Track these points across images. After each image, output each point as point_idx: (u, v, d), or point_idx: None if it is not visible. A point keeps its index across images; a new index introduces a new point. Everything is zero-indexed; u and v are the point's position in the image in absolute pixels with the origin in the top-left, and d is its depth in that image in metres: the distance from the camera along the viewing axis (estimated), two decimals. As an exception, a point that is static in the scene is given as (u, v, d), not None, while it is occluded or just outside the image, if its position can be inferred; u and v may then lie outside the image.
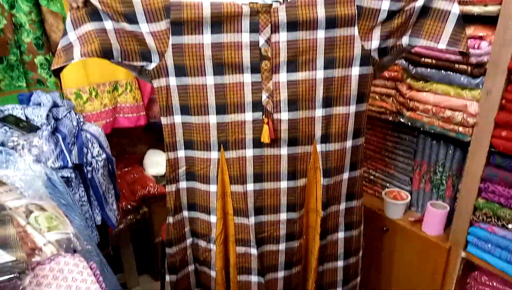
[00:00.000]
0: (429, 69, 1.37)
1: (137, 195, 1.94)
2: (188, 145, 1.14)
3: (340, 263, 1.30)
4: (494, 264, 1.32)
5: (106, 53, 1.01)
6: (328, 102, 1.09)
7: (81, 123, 1.47)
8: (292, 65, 1.05)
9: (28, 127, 1.31)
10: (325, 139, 1.13)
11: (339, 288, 1.33)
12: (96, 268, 0.77)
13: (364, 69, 1.07)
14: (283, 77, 1.06)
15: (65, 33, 1.02)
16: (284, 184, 1.15)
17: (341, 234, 1.27)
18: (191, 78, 1.05)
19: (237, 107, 1.07)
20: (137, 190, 1.96)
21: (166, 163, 1.16)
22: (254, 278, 1.23)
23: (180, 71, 1.04)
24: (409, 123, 1.50)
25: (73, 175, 1.32)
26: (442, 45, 1.02)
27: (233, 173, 1.13)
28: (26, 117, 1.36)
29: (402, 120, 1.53)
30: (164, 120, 1.11)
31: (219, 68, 1.04)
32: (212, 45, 1.02)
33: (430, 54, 1.35)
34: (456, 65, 1.29)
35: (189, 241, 1.26)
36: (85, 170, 1.37)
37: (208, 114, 1.08)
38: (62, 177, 1.27)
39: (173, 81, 1.06)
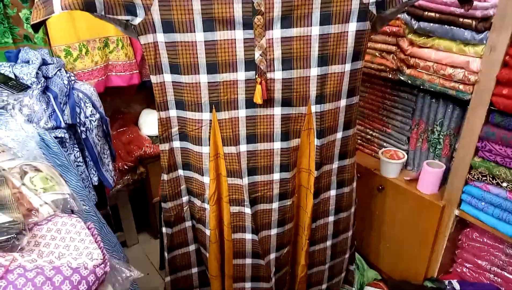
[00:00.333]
0: (432, 24, 1.32)
1: (133, 156, 1.93)
2: (179, 105, 1.10)
3: (331, 218, 1.33)
4: (486, 221, 1.35)
5: (88, 6, 0.94)
6: (323, 61, 1.05)
7: (73, 82, 1.43)
8: (286, 21, 1.00)
9: (17, 86, 1.27)
10: (320, 99, 1.10)
11: (328, 241, 1.37)
12: (94, 228, 0.77)
13: (361, 25, 1.03)
14: (276, 33, 1.01)
15: None
16: (277, 145, 1.14)
17: (333, 192, 1.29)
18: (179, 34, 0.99)
19: (229, 65, 1.03)
20: (133, 150, 1.95)
21: (158, 122, 1.13)
22: (248, 236, 1.25)
23: (168, 27, 0.98)
24: (409, 81, 1.47)
25: (66, 135, 1.30)
26: None
27: (226, 134, 1.11)
28: (15, 75, 1.31)
29: (402, 78, 1.49)
30: (153, 79, 1.06)
31: (209, 23, 0.98)
32: None
33: (433, 8, 1.29)
34: (461, 19, 1.24)
35: (185, 199, 1.27)
36: (79, 131, 1.35)
37: (199, 74, 1.03)
38: (56, 137, 1.25)
39: (161, 37, 1.00)
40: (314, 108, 1.11)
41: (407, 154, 1.65)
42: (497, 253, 1.43)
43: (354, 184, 1.33)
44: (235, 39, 1.00)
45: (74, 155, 1.35)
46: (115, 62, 1.87)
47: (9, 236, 0.65)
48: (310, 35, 1.02)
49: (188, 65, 1.03)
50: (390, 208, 1.65)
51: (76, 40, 1.69)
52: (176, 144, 1.17)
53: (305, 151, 1.19)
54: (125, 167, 1.91)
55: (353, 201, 1.36)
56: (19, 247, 0.66)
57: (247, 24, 0.99)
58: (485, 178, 1.32)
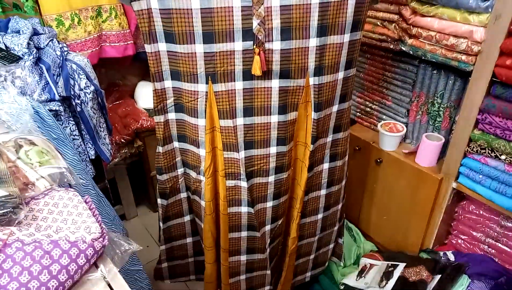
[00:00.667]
0: (436, -8, 1.28)
1: (130, 129, 1.92)
2: (175, 76, 1.07)
3: (323, 192, 1.34)
4: (483, 194, 1.36)
5: None
6: (322, 31, 1.01)
7: (65, 53, 1.39)
8: None
9: (8, 57, 1.23)
10: (318, 71, 1.07)
11: (319, 214, 1.39)
12: (92, 202, 0.77)
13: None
14: (275, 1, 0.96)
15: None
16: (274, 118, 1.12)
17: (326, 165, 1.28)
18: (174, 1, 0.95)
19: (226, 35, 0.98)
20: (129, 124, 1.93)
21: (153, 93, 1.10)
22: (244, 209, 1.25)
23: None
24: (411, 52, 1.44)
25: (61, 108, 1.27)
26: None
27: (222, 107, 1.08)
28: (5, 46, 1.27)
29: (403, 48, 1.46)
30: (148, 48, 1.02)
31: None
32: None
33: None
34: (466, -13, 1.20)
35: (180, 170, 1.27)
36: (74, 103, 1.33)
37: (195, 43, 0.99)
38: (50, 110, 1.23)
39: (155, 3, 0.95)
40: (312, 80, 1.08)
41: (406, 126, 1.64)
42: (492, 225, 1.45)
43: (346, 158, 1.33)
44: (232, 6, 0.96)
45: (70, 128, 1.34)
46: (109, 32, 1.82)
47: (5, 210, 0.65)
48: (310, 3, 0.98)
49: (183, 33, 0.99)
50: (388, 181, 1.66)
51: (68, 9, 1.63)
52: (172, 115, 1.15)
53: (302, 124, 1.17)
54: (122, 140, 1.89)
55: (344, 175, 1.37)
56: (16, 221, 0.66)
57: None
58: (484, 151, 1.31)
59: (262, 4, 0.96)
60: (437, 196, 1.49)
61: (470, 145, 1.35)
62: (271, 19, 0.98)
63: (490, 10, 1.17)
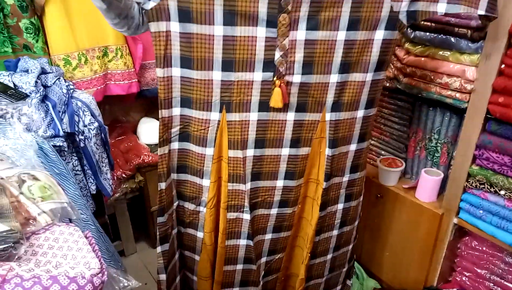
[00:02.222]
0: (428, 33, 1.34)
1: (131, 164, 1.93)
2: (186, 103, 1.03)
3: (335, 232, 1.30)
4: (484, 230, 1.35)
5: None
6: (345, 68, 1.01)
7: (71, 91, 1.44)
8: (313, 22, 0.94)
9: (16, 95, 1.27)
10: (336, 107, 1.06)
11: (329, 254, 1.34)
12: (92, 237, 0.77)
13: (389, 34, 0.99)
14: (301, 34, 0.95)
15: None
16: (285, 151, 1.10)
17: (340, 205, 1.24)
18: (197, 25, 0.91)
19: (246, 64, 0.96)
20: (131, 159, 1.95)
21: (160, 122, 1.05)
22: (242, 242, 1.21)
23: (185, 16, 0.91)
24: (406, 90, 1.48)
25: (65, 144, 1.30)
26: (481, 11, 0.93)
27: (234, 137, 1.05)
28: (14, 84, 1.32)
29: (399, 86, 1.50)
30: (160, 72, 0.98)
31: (231, 17, 0.91)
32: None
33: (429, 17, 1.31)
34: (456, 29, 1.26)
35: (175, 204, 1.20)
36: (77, 139, 1.35)
37: (212, 70, 0.96)
38: (54, 146, 1.25)
39: (175, 27, 0.92)
40: (328, 116, 1.07)
41: (405, 162, 1.65)
42: (496, 262, 1.42)
43: (361, 198, 1.29)
44: (256, 36, 0.93)
45: (73, 163, 1.35)
46: (114, 71, 1.88)
47: (6, 245, 0.65)
48: (335, 40, 0.97)
49: (202, 59, 0.96)
50: (389, 216, 1.65)
51: (76, 49, 1.70)
52: (174, 145, 1.10)
53: (315, 160, 1.14)
54: (123, 175, 1.90)
55: (358, 215, 1.33)
56: (16, 256, 0.66)
57: (271, 22, 0.93)
58: (483, 186, 1.32)
59: (287, 36, 0.95)
60: (439, 231, 1.48)
61: (469, 180, 1.36)
62: (294, 52, 0.97)
63: (480, 50, 1.22)
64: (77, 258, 0.69)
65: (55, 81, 1.40)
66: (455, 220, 1.43)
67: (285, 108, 1.03)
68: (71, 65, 1.70)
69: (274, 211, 1.19)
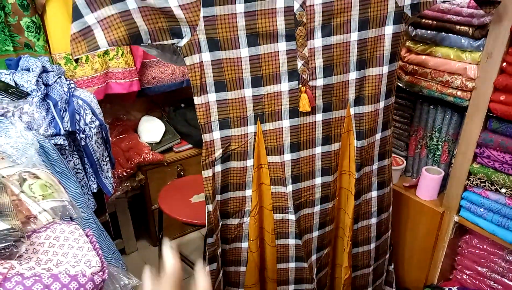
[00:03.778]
0: (429, 31, 1.34)
1: (132, 162, 1.94)
2: (224, 124, 1.10)
3: (374, 220, 1.34)
4: (485, 228, 1.35)
5: (134, 39, 0.93)
6: (361, 64, 1.09)
7: (72, 89, 1.44)
8: (327, 29, 1.02)
9: (17, 93, 1.27)
10: (358, 101, 1.13)
11: (372, 243, 1.38)
12: (93, 235, 0.77)
13: (397, 27, 1.06)
14: (318, 42, 1.02)
15: (78, 14, 0.90)
16: (318, 150, 1.16)
17: (374, 193, 1.30)
18: (225, 51, 1.00)
19: (273, 78, 1.04)
20: (132, 157, 1.96)
21: (203, 146, 1.11)
22: (291, 241, 1.26)
23: (214, 45, 0.99)
24: (407, 88, 1.48)
25: (66, 142, 1.30)
26: None
27: (270, 144, 1.12)
28: (15, 83, 1.32)
29: (400, 84, 1.50)
30: (197, 100, 1.05)
31: (254, 38, 0.99)
32: (245, 14, 0.96)
33: (431, 15, 1.30)
34: (457, 27, 1.26)
35: (219, 225, 1.24)
36: (79, 138, 1.35)
37: (244, 88, 1.05)
38: (55, 144, 1.25)
39: (206, 56, 1.00)
40: (353, 110, 1.14)
41: (406, 160, 1.65)
42: (497, 260, 1.42)
43: (391, 184, 1.34)
44: (278, 51, 1.02)
45: (74, 162, 1.36)
46: (115, 69, 1.88)
47: (7, 244, 0.65)
48: (349, 41, 1.05)
49: (233, 80, 1.04)
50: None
51: (76, 48, 1.70)
52: (218, 168, 1.14)
53: (346, 153, 1.21)
54: (124, 174, 1.91)
55: (391, 200, 1.38)
56: (17, 255, 0.66)
57: (290, 36, 1.00)
58: (484, 184, 1.32)
59: (306, 46, 1.02)
60: (439, 229, 1.48)
61: (470, 178, 1.36)
62: (314, 59, 1.05)
63: (481, 48, 1.22)
64: (78, 256, 0.69)
65: (56, 80, 1.40)
66: (456, 218, 1.43)
67: (313, 110, 1.10)
68: (72, 64, 1.70)
69: (317, 208, 1.24)
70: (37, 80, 1.32)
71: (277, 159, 1.13)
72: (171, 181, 2.01)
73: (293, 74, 1.04)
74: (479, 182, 1.33)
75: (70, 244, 0.72)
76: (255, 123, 1.10)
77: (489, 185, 1.31)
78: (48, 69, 1.44)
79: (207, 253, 1.23)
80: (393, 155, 1.67)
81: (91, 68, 1.77)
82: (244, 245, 1.25)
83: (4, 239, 0.66)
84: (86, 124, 1.39)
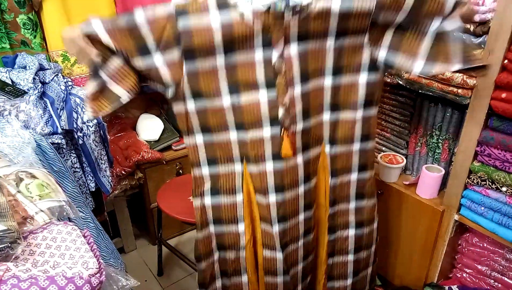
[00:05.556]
0: (430, 29, 1.32)
1: (131, 161, 1.92)
2: (212, 162, 1.14)
3: (350, 257, 1.35)
4: (485, 226, 1.34)
5: (141, 84, 1.01)
6: (335, 107, 1.12)
7: (70, 87, 1.43)
8: (305, 76, 1.04)
9: (14, 92, 1.26)
10: (332, 141, 1.16)
11: (349, 279, 1.38)
12: (90, 236, 0.76)
13: (373, 75, 1.07)
14: (297, 89, 1.05)
15: (93, 74, 0.98)
16: (301, 189, 1.18)
17: (351, 231, 1.31)
18: (208, 100, 1.05)
19: (255, 124, 1.07)
20: (131, 156, 1.94)
21: (192, 179, 1.17)
22: (280, 279, 1.27)
23: (197, 95, 1.04)
24: (407, 85, 1.47)
25: (63, 141, 1.29)
26: (458, 64, 0.99)
27: (256, 185, 1.15)
28: (12, 81, 1.30)
29: (400, 82, 1.49)
30: (186, 141, 1.11)
31: (235, 87, 1.03)
32: (226, 67, 1.00)
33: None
34: (459, 24, 1.24)
35: (216, 255, 1.27)
36: (76, 136, 1.34)
37: (229, 132, 1.10)
38: (53, 143, 1.24)
39: (191, 105, 1.05)
40: (327, 148, 1.17)
41: (406, 158, 1.64)
42: (497, 258, 1.42)
43: (375, 224, 1.34)
44: (259, 99, 1.04)
45: (71, 161, 1.35)
46: (113, 67, 1.86)
47: (2, 245, 0.64)
48: (323, 85, 1.08)
49: (219, 125, 1.08)
50: (389, 213, 1.64)
51: (74, 45, 1.69)
52: (207, 200, 1.18)
53: (321, 186, 1.23)
54: (123, 172, 1.90)
55: (373, 240, 1.38)
56: (14, 256, 0.65)
57: (270, 84, 1.02)
58: (485, 182, 1.31)
59: (286, 93, 1.04)
60: (440, 228, 1.47)
61: (470, 177, 1.35)
62: (294, 106, 1.06)
63: (483, 46, 1.21)
64: (75, 257, 0.68)
65: (53, 78, 1.39)
66: (456, 217, 1.42)
67: (294, 153, 1.12)
68: (69, 61, 1.69)
69: (301, 242, 1.27)
70: (34, 78, 1.31)
71: (262, 199, 1.16)
72: (170, 179, 2.00)
73: (275, 121, 1.06)
74: (479, 180, 1.32)
75: (67, 245, 0.71)
76: (242, 163, 1.14)
77: (490, 184, 1.30)
78: (45, 67, 1.43)
79: (197, 279, 1.28)
80: (393, 153, 1.66)
81: (89, 65, 1.75)
82: (244, 278, 1.28)
83: (0, 240, 0.65)
84: (83, 123, 1.38)
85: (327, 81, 1.08)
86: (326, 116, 1.12)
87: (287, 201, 1.17)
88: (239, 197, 1.17)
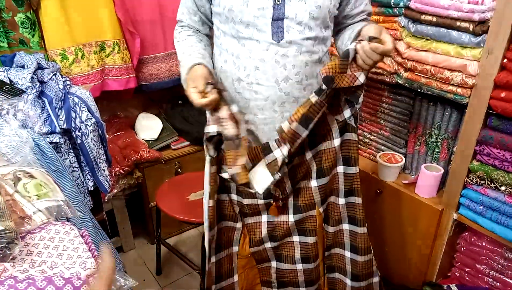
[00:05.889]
0: (429, 27, 1.32)
1: (129, 160, 1.92)
2: (221, 218, 1.28)
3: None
4: (484, 225, 1.34)
5: None
6: (319, 173, 1.21)
7: (68, 86, 1.42)
8: (289, 162, 1.17)
9: (12, 91, 1.26)
10: (324, 201, 1.26)
11: None
12: (88, 236, 0.76)
13: (346, 136, 1.16)
14: (289, 188, 1.21)
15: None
16: (296, 239, 1.31)
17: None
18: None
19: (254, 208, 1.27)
20: (129, 155, 1.94)
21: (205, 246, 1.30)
22: None
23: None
24: (407, 84, 1.47)
25: (62, 140, 1.28)
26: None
27: (251, 236, 1.33)
28: (10, 80, 1.30)
29: (399, 81, 1.49)
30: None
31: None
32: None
33: (430, 11, 1.29)
34: (458, 23, 1.24)
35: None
36: (74, 135, 1.34)
37: (231, 193, 1.26)
38: (51, 142, 1.24)
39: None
40: (321, 209, 1.27)
41: (405, 157, 1.64)
42: (495, 257, 1.42)
43: (377, 277, 1.37)
44: (258, 204, 1.25)
45: (69, 160, 1.34)
46: (112, 66, 1.86)
47: (0, 246, 0.64)
48: (306, 159, 1.19)
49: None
50: (388, 211, 1.64)
51: (72, 44, 1.68)
52: (212, 259, 1.31)
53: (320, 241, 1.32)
54: (121, 171, 1.89)
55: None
56: (11, 257, 0.65)
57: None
58: (484, 181, 1.31)
59: (281, 198, 1.20)
60: (438, 227, 1.47)
61: (470, 176, 1.35)
62: (287, 196, 1.23)
63: (482, 45, 1.20)
64: (73, 258, 0.68)
65: (51, 77, 1.38)
66: (455, 216, 1.42)
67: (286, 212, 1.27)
68: (68, 60, 1.68)
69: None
70: (32, 77, 1.30)
71: (258, 247, 1.32)
72: (168, 178, 1.99)
73: (268, 206, 1.23)
74: (478, 179, 1.32)
75: (65, 245, 0.71)
76: (241, 219, 1.29)
77: (489, 183, 1.30)
78: (43, 65, 1.42)
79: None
80: (392, 152, 1.66)
81: (87, 64, 1.75)
82: None
83: (-3, 241, 0.64)
84: (82, 122, 1.37)
85: (308, 155, 1.19)
86: (314, 183, 1.22)
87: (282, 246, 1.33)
88: (235, 249, 1.31)
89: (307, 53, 1.07)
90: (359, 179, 1.21)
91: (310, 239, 1.28)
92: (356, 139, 1.17)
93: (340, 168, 1.21)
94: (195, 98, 0.98)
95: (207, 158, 1.18)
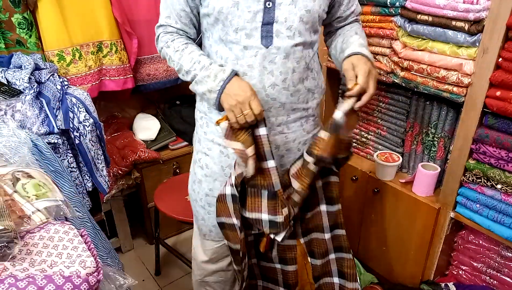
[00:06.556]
0: (425, 26, 1.33)
1: (128, 160, 1.92)
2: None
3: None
4: (481, 223, 1.35)
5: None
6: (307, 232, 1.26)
7: (66, 87, 1.42)
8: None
9: (10, 92, 1.26)
10: (306, 233, 1.28)
11: None
12: (87, 235, 0.76)
13: (329, 179, 1.18)
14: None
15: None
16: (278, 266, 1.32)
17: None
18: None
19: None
20: (127, 155, 1.94)
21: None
22: None
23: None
24: (403, 84, 1.48)
25: (60, 141, 1.29)
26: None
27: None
28: (7, 81, 1.30)
29: (395, 80, 1.50)
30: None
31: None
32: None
33: (426, 11, 1.30)
34: (453, 22, 1.25)
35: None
36: (72, 136, 1.34)
37: (232, 217, 1.21)
38: (49, 143, 1.24)
39: None
40: (302, 241, 1.29)
41: (402, 156, 1.65)
42: (492, 255, 1.43)
43: None
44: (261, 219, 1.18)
45: (68, 160, 1.34)
46: (109, 66, 1.86)
47: (0, 245, 0.64)
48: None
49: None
50: (386, 210, 1.65)
51: (69, 45, 1.68)
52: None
53: (303, 270, 1.34)
54: (120, 172, 1.89)
55: None
56: (11, 256, 0.65)
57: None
58: (480, 180, 1.32)
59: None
60: (436, 226, 1.48)
61: (466, 174, 1.36)
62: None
63: (477, 44, 1.21)
64: (72, 257, 0.68)
65: (49, 77, 1.38)
66: (452, 214, 1.43)
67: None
68: (65, 61, 1.68)
69: None
70: (30, 78, 1.30)
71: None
72: (167, 179, 2.00)
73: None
74: (475, 178, 1.33)
75: (65, 244, 0.71)
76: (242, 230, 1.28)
77: (485, 181, 1.31)
78: (41, 66, 1.43)
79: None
80: (389, 151, 1.67)
81: (85, 65, 1.75)
82: None
83: (-3, 240, 0.65)
84: (80, 122, 1.37)
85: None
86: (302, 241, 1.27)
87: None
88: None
89: (295, 59, 1.07)
90: (342, 214, 1.24)
91: (291, 267, 1.30)
92: (338, 181, 1.20)
93: (323, 207, 1.23)
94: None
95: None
